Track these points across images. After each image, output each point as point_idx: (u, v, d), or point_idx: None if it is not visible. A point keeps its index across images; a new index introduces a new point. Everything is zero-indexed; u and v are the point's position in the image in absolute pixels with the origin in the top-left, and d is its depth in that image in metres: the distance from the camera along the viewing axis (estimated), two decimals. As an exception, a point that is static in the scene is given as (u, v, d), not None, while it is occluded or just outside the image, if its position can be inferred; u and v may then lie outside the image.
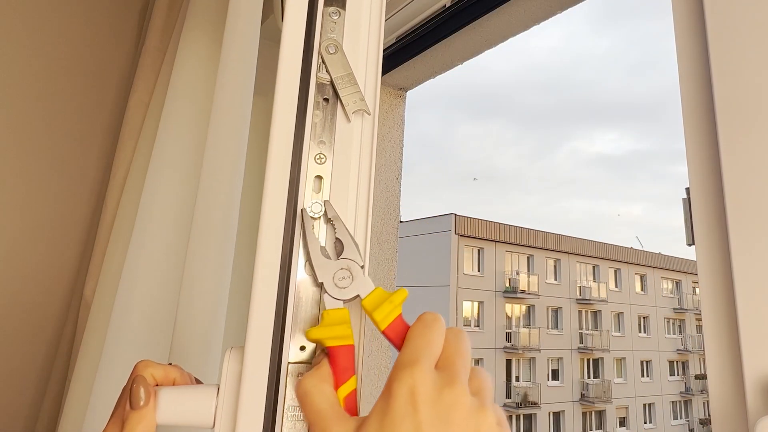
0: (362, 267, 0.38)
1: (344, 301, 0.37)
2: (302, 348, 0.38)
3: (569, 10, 0.98)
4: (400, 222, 1.44)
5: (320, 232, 0.40)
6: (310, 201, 0.40)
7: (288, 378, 0.37)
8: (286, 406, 0.37)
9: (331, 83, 0.42)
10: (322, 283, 0.37)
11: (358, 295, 0.37)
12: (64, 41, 1.32)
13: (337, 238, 0.39)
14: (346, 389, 0.35)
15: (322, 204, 0.40)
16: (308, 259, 0.38)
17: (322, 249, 0.38)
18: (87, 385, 0.88)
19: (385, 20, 1.13)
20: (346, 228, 0.39)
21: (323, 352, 0.36)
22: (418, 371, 0.31)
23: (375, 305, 0.36)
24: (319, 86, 0.42)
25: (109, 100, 1.36)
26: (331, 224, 0.39)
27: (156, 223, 0.91)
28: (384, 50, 1.22)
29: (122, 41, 1.40)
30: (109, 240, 1.06)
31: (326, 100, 0.42)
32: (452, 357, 0.33)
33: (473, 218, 17.23)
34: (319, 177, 0.41)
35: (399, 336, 0.35)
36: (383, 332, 0.35)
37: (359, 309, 0.38)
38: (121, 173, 1.15)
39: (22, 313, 1.20)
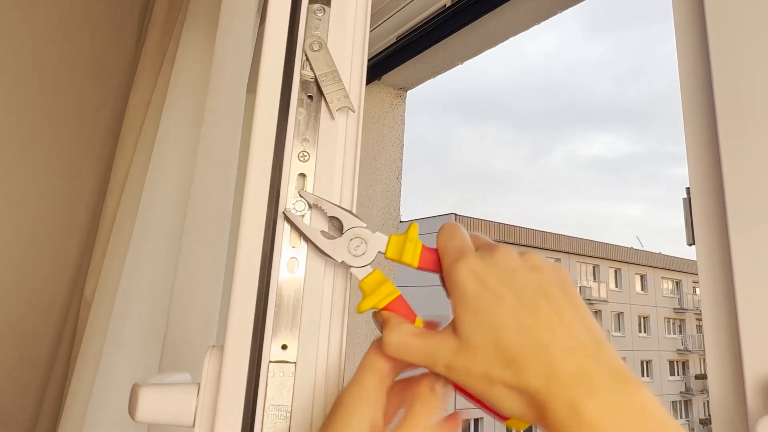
0: (366, 227, 0.38)
1: (369, 264, 0.38)
2: (284, 347, 0.38)
3: (564, 14, 0.98)
4: (400, 222, 1.44)
5: (312, 222, 0.40)
6: (293, 199, 0.40)
7: (269, 377, 0.37)
8: (267, 405, 0.37)
9: (315, 80, 0.42)
10: (343, 262, 0.38)
11: (378, 251, 0.38)
12: (64, 41, 1.32)
13: (330, 218, 0.39)
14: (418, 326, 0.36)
15: (305, 201, 0.40)
16: (317, 249, 0.38)
17: (324, 234, 0.39)
18: (87, 385, 0.88)
19: (386, 20, 1.14)
20: (333, 204, 0.39)
21: (379, 317, 0.36)
22: (466, 257, 0.34)
23: (399, 251, 0.37)
24: (303, 83, 0.42)
25: (110, 100, 1.36)
26: (318, 209, 0.39)
27: (156, 223, 0.91)
28: (384, 50, 1.22)
29: (122, 41, 1.40)
30: (110, 240, 1.06)
31: (310, 97, 0.42)
32: (480, 241, 0.36)
33: (473, 218, 17.22)
34: (303, 174, 0.41)
35: (433, 262, 0.36)
36: (419, 268, 0.37)
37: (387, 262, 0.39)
38: (121, 173, 1.15)
39: (22, 312, 1.20)
